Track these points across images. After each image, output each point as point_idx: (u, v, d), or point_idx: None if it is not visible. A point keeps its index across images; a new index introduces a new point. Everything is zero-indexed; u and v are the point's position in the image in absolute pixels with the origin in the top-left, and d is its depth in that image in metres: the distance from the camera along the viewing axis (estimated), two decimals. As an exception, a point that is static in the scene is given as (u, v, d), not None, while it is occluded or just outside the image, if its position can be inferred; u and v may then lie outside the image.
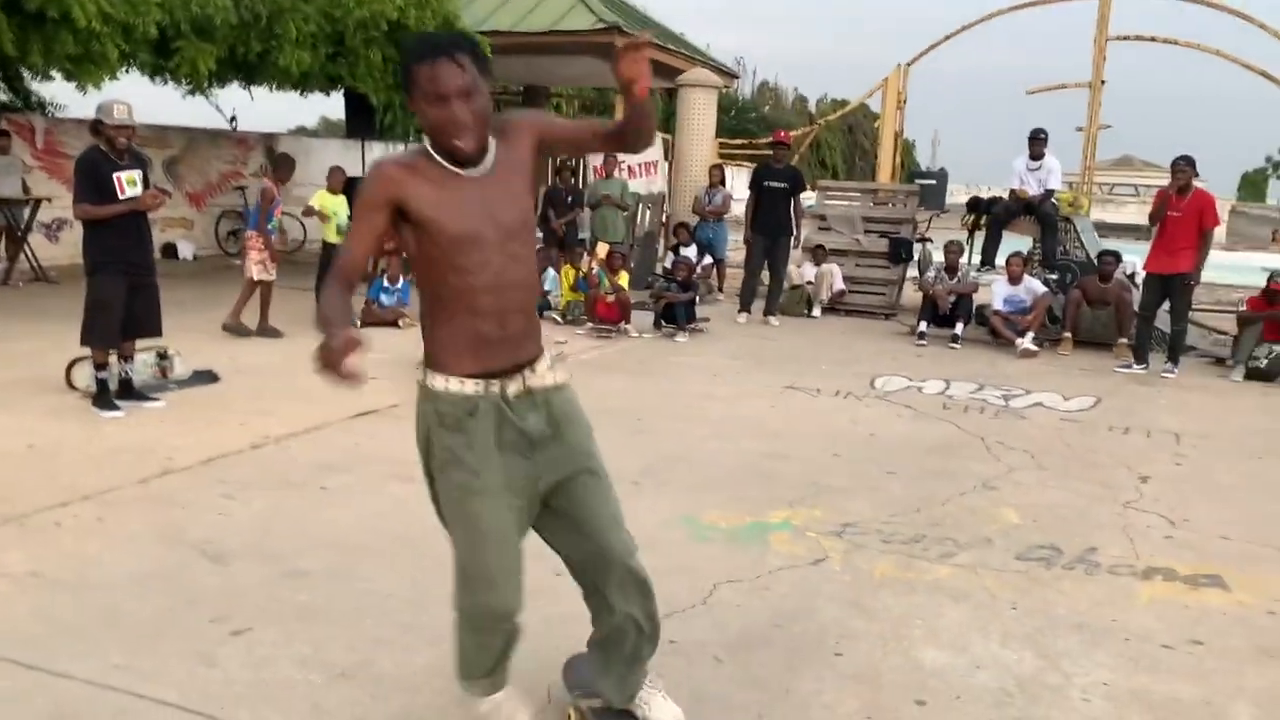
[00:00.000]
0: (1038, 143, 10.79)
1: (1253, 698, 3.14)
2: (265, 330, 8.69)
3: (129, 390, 6.13)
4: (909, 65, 13.52)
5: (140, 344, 6.31)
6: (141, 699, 2.85)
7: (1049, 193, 10.72)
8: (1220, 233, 37.74)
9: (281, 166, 9.06)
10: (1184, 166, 8.71)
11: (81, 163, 5.90)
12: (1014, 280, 10.06)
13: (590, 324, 9.80)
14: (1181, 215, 8.65)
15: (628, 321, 9.75)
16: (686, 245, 12.03)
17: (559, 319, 10.19)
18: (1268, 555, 4.46)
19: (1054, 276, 10.49)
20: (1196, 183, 8.81)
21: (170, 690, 2.89)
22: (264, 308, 8.71)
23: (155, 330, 6.21)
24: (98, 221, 5.83)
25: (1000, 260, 10.82)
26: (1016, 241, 11.24)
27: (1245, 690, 3.19)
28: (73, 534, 4.05)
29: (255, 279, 8.67)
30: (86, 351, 6.06)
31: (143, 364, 6.50)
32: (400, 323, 9.34)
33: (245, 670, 3.02)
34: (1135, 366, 8.93)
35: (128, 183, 5.84)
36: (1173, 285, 8.81)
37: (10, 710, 2.78)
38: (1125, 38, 12.50)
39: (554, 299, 10.54)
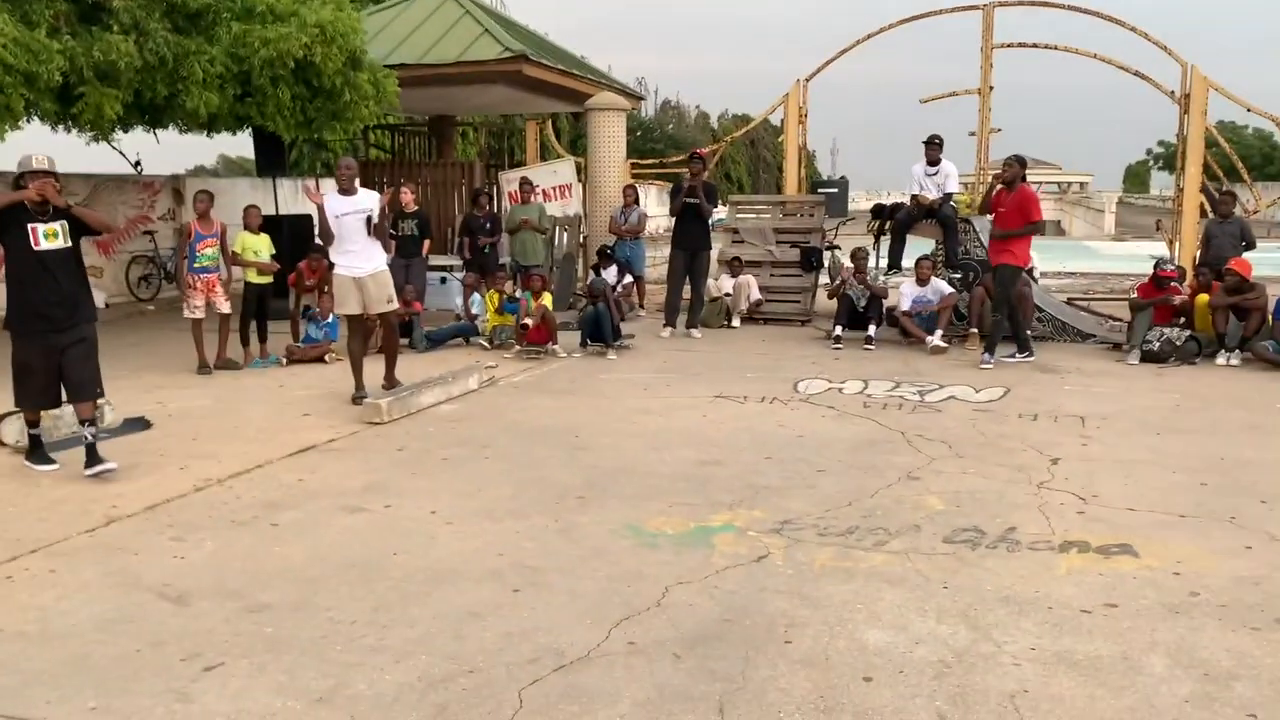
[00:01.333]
0: (933, 148, 11.24)
1: (1164, 650, 3.45)
2: (224, 364, 9.08)
3: (94, 456, 5.66)
4: (807, 80, 13.97)
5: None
6: (124, 738, 2.91)
7: (947, 196, 11.17)
8: (1109, 223, 39.40)
9: (198, 201, 9.13)
10: (1010, 162, 9.15)
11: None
12: (922, 282, 10.47)
13: (518, 347, 9.92)
14: (1006, 210, 9.13)
15: (555, 342, 9.91)
16: (606, 268, 12.23)
17: (486, 344, 10.30)
18: (1171, 523, 4.82)
19: (957, 276, 10.96)
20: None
21: (151, 727, 2.96)
22: (201, 344, 8.98)
23: (90, 394, 5.78)
24: (10, 277, 5.69)
25: (906, 263, 11.26)
26: (920, 245, 11.70)
27: (1157, 644, 3.50)
28: (27, 587, 4.05)
29: (186, 317, 9.06)
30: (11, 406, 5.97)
31: (68, 419, 6.34)
32: (327, 358, 9.35)
33: (223, 703, 3.10)
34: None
35: (46, 235, 5.71)
36: (998, 275, 9.29)
37: (-7, 760, 2.82)
38: (1009, 45, 13.13)
39: (480, 324, 10.64)
